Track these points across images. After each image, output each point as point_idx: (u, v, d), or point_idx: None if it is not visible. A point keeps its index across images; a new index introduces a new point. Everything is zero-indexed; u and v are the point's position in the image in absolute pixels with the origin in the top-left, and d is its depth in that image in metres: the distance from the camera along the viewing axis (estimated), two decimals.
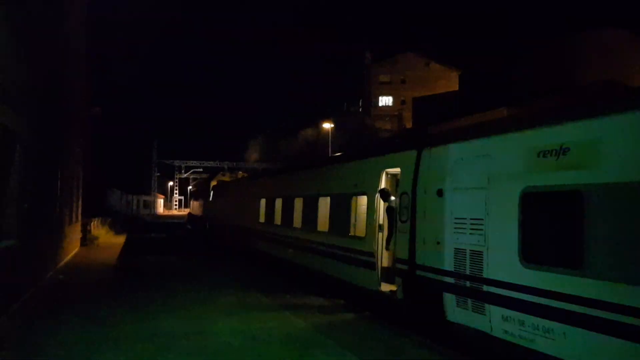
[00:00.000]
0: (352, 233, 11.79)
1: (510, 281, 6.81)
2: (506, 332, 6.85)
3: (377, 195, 10.62)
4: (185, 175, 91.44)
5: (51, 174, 14.36)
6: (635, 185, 5.39)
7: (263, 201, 18.95)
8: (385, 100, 77.25)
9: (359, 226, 11.53)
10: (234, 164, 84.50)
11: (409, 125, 59.90)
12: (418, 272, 8.84)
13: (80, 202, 23.09)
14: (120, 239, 28.88)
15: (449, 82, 68.68)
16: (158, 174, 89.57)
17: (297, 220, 15.12)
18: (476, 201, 7.57)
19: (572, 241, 6.02)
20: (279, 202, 16.97)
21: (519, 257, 6.67)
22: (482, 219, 7.41)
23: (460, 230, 7.86)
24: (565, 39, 39.18)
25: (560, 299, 6.03)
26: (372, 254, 10.65)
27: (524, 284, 6.57)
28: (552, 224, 6.45)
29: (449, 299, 8.03)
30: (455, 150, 8.32)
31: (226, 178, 42.84)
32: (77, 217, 21.91)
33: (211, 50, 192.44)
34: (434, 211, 8.57)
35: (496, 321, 7.02)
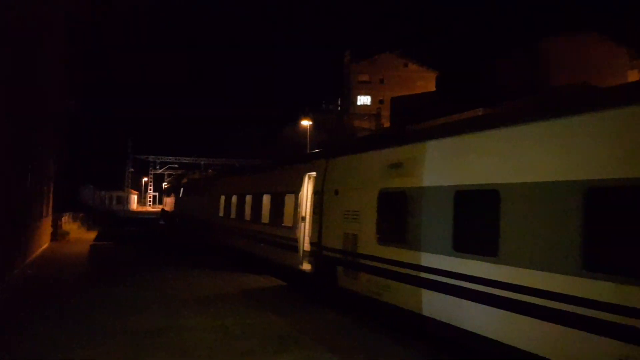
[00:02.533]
0: (284, 224, 14.28)
1: (372, 254, 9.55)
2: (370, 290, 9.54)
3: (301, 192, 13.17)
4: (160, 171, 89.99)
5: (21, 167, 14.02)
6: (433, 188, 8.12)
7: (222, 198, 21.29)
8: (364, 100, 77.53)
9: (288, 218, 13.99)
10: (211, 160, 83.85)
11: (387, 124, 60.20)
12: (323, 252, 11.53)
13: (51, 197, 22.64)
14: (92, 235, 28.46)
15: (426, 82, 69.30)
16: (132, 169, 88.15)
17: (247, 214, 17.62)
18: (355, 199, 10.41)
19: (402, 226, 8.66)
20: (234, 199, 19.52)
21: (377, 237, 9.44)
22: (358, 211, 10.18)
23: (347, 220, 10.59)
24: (539, 42, 39.86)
25: (394, 264, 8.82)
26: (296, 240, 13.20)
27: (379, 255, 9.31)
28: (393, 216, 9.05)
29: (340, 270, 10.82)
30: (343, 161, 11.43)
31: (196, 176, 43.96)
32: (47, 212, 21.48)
33: (189, 46, 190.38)
34: (333, 206, 11.33)
35: (364, 283, 9.80)
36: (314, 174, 12.72)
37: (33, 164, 16.02)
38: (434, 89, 58.10)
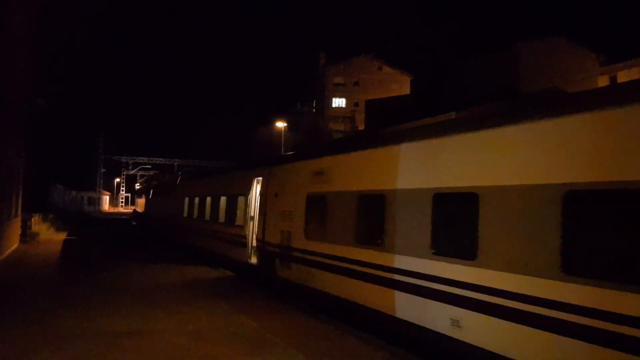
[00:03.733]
0: (236, 223, 15.68)
1: (301, 248, 11.25)
2: (299, 278, 11.29)
3: (250, 195, 14.71)
4: (133, 172, 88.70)
5: None
6: (343, 192, 9.87)
7: (186, 199, 22.54)
8: (339, 102, 77.71)
9: (240, 218, 15.44)
10: (185, 161, 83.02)
11: (361, 127, 60.52)
12: (265, 247, 13.22)
13: (20, 197, 22.15)
14: (62, 236, 27.95)
15: (401, 85, 69.88)
16: (104, 170, 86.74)
17: (207, 214, 18.90)
18: (289, 201, 12.08)
19: (324, 224, 10.36)
20: (196, 200, 20.82)
21: (304, 233, 11.16)
22: (292, 211, 11.87)
23: (283, 219, 12.24)
24: (510, 46, 40.64)
25: (317, 256, 10.43)
26: (246, 237, 14.67)
27: (306, 249, 10.99)
28: (317, 215, 10.69)
29: (277, 262, 12.50)
30: (281, 169, 13.21)
31: (165, 178, 44.32)
32: (16, 213, 21.02)
33: (162, 45, 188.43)
34: (273, 207, 12.95)
35: (296, 272, 11.49)
36: (260, 179, 14.36)
37: (0, 163, 15.66)
38: (408, 92, 58.72)
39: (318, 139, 55.93)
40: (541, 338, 5.69)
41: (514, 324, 6.00)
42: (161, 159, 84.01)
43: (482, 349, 6.45)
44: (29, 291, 11.71)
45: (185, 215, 22.22)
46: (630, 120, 5.20)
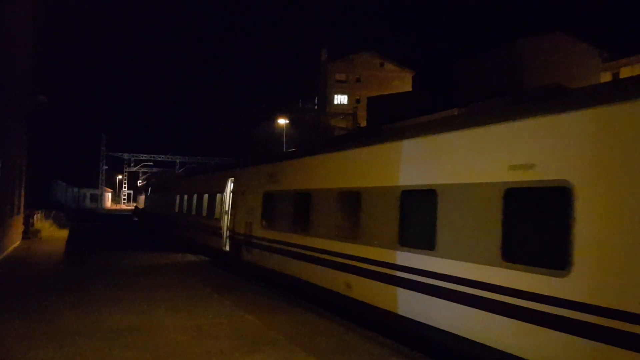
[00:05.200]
0: (214, 217, 18.20)
1: (259, 236, 13.89)
2: (260, 260, 13.77)
3: (225, 193, 17.15)
4: (135, 168, 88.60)
5: None
6: (287, 191, 12.61)
7: (177, 196, 25.35)
8: (341, 99, 77.65)
9: (217, 212, 17.93)
10: (186, 158, 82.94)
11: (363, 123, 60.46)
12: (235, 236, 15.84)
13: (22, 194, 22.19)
14: (64, 233, 27.98)
15: (403, 82, 69.88)
16: (106, 167, 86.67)
17: (193, 210, 21.59)
18: (252, 198, 14.63)
19: (274, 216, 13.18)
20: (185, 197, 23.51)
21: (261, 224, 13.80)
22: (254, 206, 14.41)
23: (248, 213, 14.84)
24: (513, 43, 40.50)
25: (271, 242, 13.03)
26: (221, 229, 17.16)
27: (263, 236, 13.61)
28: (270, 209, 13.43)
29: (243, 248, 15.02)
30: (247, 171, 15.89)
31: (162, 176, 46.77)
32: (18, 210, 21.05)
33: (165, 43, 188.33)
34: (241, 203, 15.57)
35: (256, 256, 14.09)
36: (233, 179, 16.87)
37: (2, 160, 15.69)
38: (410, 88, 58.64)
39: (320, 136, 55.90)
40: (486, 319, 6.52)
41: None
42: (163, 156, 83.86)
43: (435, 328, 7.36)
44: (32, 288, 11.73)
45: (177, 210, 24.99)
46: (542, 127, 6.10)
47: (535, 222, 6.27)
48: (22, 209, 22.31)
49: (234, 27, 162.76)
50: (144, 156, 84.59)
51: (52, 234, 26.66)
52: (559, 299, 5.54)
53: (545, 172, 5.96)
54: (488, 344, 6.44)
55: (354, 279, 9.32)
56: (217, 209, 17.95)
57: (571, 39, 40.65)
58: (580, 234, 5.48)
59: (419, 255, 7.69)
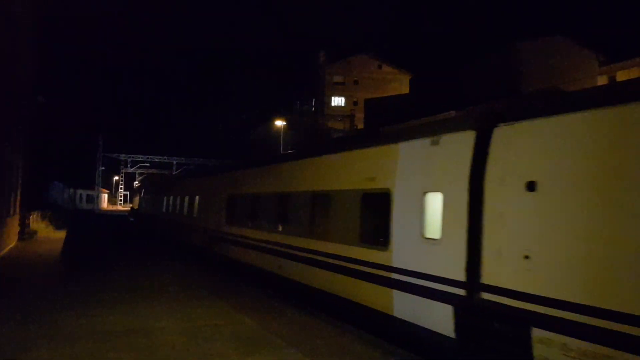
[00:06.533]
0: (194, 216, 20.54)
1: (224, 231, 16.76)
2: (229, 251, 16.30)
3: (202, 195, 20.06)
4: (132, 170, 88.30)
5: None
6: (243, 194, 15.68)
7: (164, 198, 27.25)
8: (338, 101, 77.57)
9: (196, 212, 20.35)
10: (183, 159, 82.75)
11: (360, 126, 60.49)
12: (209, 232, 18.30)
13: (18, 195, 22.12)
14: (60, 234, 27.92)
15: (400, 84, 69.85)
16: (103, 168, 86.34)
17: (177, 210, 23.63)
18: (220, 199, 17.43)
19: (233, 214, 16.25)
20: (173, 199, 25.23)
21: (225, 220, 16.81)
22: (222, 206, 17.15)
23: (217, 212, 17.51)
24: (511, 46, 40.56)
25: (233, 235, 16.06)
26: (199, 226, 19.50)
27: (227, 231, 16.51)
28: (232, 209, 16.31)
29: (215, 242, 17.68)
30: (218, 176, 19.09)
31: (153, 179, 48.25)
32: (15, 210, 20.99)
33: (163, 45, 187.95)
34: (213, 203, 18.20)
35: (223, 248, 16.81)
36: (208, 182, 19.69)
37: None
38: (407, 91, 58.68)
39: (317, 138, 55.92)
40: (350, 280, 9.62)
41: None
42: (160, 157, 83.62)
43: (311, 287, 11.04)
44: (27, 289, 11.71)
45: (164, 210, 27.17)
46: (376, 154, 9.37)
47: (374, 216, 9.06)
48: (18, 210, 22.23)
49: (231, 29, 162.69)
50: (140, 157, 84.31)
51: (49, 235, 26.62)
52: (385, 265, 8.59)
53: (380, 182, 8.93)
54: (336, 293, 10.03)
55: (283, 262, 12.37)
56: (196, 209, 20.46)
57: (569, 43, 40.73)
58: (393, 224, 8.46)
59: (321, 241, 10.78)
